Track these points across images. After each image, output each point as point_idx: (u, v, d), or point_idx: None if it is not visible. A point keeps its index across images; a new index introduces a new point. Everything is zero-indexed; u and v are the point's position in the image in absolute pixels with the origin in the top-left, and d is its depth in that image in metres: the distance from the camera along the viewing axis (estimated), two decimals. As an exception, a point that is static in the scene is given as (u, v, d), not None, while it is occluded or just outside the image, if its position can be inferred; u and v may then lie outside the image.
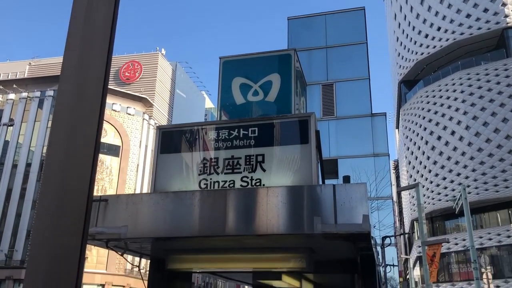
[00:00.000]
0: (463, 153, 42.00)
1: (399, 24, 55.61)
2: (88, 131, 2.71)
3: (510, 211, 40.23)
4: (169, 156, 7.09)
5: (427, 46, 49.40)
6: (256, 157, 6.66)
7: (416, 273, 48.46)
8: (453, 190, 40.71)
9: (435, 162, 44.74)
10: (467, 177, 40.97)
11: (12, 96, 48.55)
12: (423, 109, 47.75)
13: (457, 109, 43.60)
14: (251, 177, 6.57)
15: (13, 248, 42.19)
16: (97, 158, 2.72)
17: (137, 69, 59.46)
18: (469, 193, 35.31)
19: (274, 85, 7.83)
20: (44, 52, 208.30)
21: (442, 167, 43.77)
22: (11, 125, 46.94)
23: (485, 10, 44.62)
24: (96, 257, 42.96)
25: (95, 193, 4.85)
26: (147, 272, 8.05)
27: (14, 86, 50.06)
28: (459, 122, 43.04)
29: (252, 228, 5.42)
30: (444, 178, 43.38)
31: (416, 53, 51.02)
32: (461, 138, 42.51)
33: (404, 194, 56.36)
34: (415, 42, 51.31)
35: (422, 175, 46.32)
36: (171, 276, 7.54)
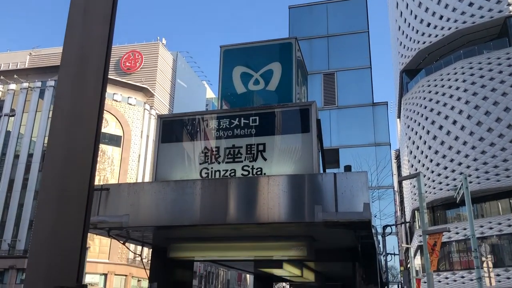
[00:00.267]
0: (465, 143, 41.93)
1: (401, 12, 55.20)
2: (88, 121, 2.71)
3: (511, 200, 40.26)
4: (170, 146, 7.09)
5: (429, 35, 49.07)
6: (257, 146, 6.66)
7: (417, 262, 48.66)
8: (454, 179, 40.72)
9: (436, 152, 44.69)
10: (468, 167, 40.94)
11: (13, 86, 48.50)
12: (424, 98, 47.58)
13: (459, 99, 43.43)
14: (252, 166, 6.58)
15: (16, 238, 42.45)
16: (98, 148, 2.72)
17: (137, 59, 59.27)
18: (470, 182, 35.33)
19: (275, 74, 7.80)
20: (44, 42, 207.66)
21: (444, 156, 43.73)
22: (13, 116, 46.95)
23: (488, -2, 44.29)
24: (99, 247, 43.22)
25: (97, 183, 4.85)
26: (149, 262, 8.10)
27: (15, 76, 49.98)
28: (460, 112, 42.91)
29: (253, 216, 5.44)
30: (446, 168, 43.37)
31: (418, 42, 50.70)
32: (462, 128, 42.41)
33: (405, 183, 56.41)
34: (417, 31, 50.97)
35: (423, 165, 46.30)
36: (173, 264, 7.58)
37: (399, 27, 55.87)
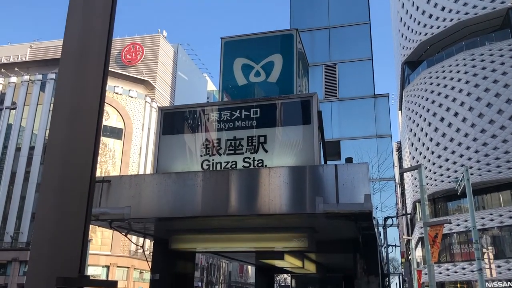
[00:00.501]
0: (466, 134, 41.87)
1: (403, 4, 54.89)
2: (89, 113, 2.71)
3: (512, 192, 40.32)
4: (171, 138, 7.09)
5: (431, 27, 48.83)
6: (258, 138, 6.66)
7: (418, 254, 48.82)
8: (456, 171, 40.72)
9: (438, 144, 44.65)
10: (469, 158, 40.92)
11: (14, 79, 48.44)
12: (426, 90, 47.45)
13: (460, 90, 43.31)
14: (253, 158, 6.58)
15: (19, 230, 42.65)
16: (99, 140, 2.73)
17: (138, 52, 59.12)
18: (472, 174, 35.33)
19: (276, 66, 7.77)
20: (45, 35, 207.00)
21: (445, 148, 43.70)
22: (14, 109, 46.96)
23: (490, -11, 44.00)
24: (101, 239, 43.42)
25: (98, 176, 4.86)
26: (151, 253, 8.13)
27: (16, 69, 49.91)
28: (462, 103, 42.80)
29: (254, 208, 5.45)
30: (447, 160, 43.35)
31: (420, 33, 50.47)
32: (464, 119, 42.33)
33: (407, 175, 56.44)
34: (419, 23, 50.72)
35: (424, 157, 46.30)
36: (175, 256, 7.62)
37: (401, 18, 55.59)
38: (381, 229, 22.39)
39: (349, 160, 9.67)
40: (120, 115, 48.28)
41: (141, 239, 7.89)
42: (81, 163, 2.61)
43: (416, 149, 48.64)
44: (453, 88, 44.14)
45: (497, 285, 37.12)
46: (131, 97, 50.17)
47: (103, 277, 42.73)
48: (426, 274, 25.91)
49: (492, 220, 39.91)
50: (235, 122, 6.85)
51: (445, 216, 42.19)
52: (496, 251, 38.38)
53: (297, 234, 6.26)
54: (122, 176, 6.42)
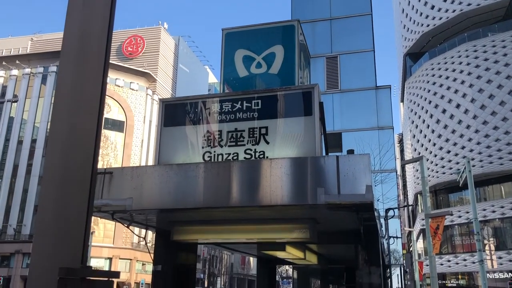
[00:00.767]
0: (468, 126, 41.78)
1: (405, -5, 54.57)
2: (90, 105, 2.71)
3: (514, 184, 40.29)
4: (172, 129, 7.08)
5: (433, 18, 48.54)
6: (259, 130, 6.65)
7: (419, 245, 48.91)
8: (458, 163, 40.68)
9: (439, 136, 44.58)
10: (471, 150, 40.86)
11: (15, 72, 48.40)
12: (428, 82, 47.28)
13: (462, 82, 43.14)
14: (255, 149, 6.58)
15: (22, 222, 42.85)
16: (101, 131, 2.73)
17: (139, 44, 58.96)
18: (474, 166, 35.28)
19: (277, 57, 7.75)
20: (46, 27, 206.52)
21: (447, 140, 43.63)
22: (15, 102, 46.96)
23: (493, -20, 43.66)
24: (103, 231, 43.61)
25: (100, 168, 4.86)
26: (154, 245, 8.16)
27: (17, 62, 49.85)
28: (464, 95, 42.65)
29: (256, 199, 5.46)
30: (449, 151, 43.30)
31: (422, 25, 50.19)
32: (466, 111, 42.20)
33: (408, 167, 56.43)
34: (421, 14, 50.42)
35: (426, 149, 46.24)
36: (177, 247, 7.65)
37: (403, 9, 55.27)
38: (382, 220, 22.44)
39: (350, 152, 9.66)
40: (122, 107, 48.26)
41: (143, 231, 7.92)
42: (83, 155, 2.62)
43: (418, 141, 48.58)
44: (455, 79, 43.96)
45: (498, 276, 37.23)
46: (132, 89, 50.12)
47: (106, 269, 42.95)
48: (427, 265, 25.98)
49: (493, 211, 39.94)
50: (236, 113, 6.84)
51: (446, 208, 42.26)
52: (497, 243, 38.47)
53: (298, 225, 6.28)
54: (124, 168, 6.43)
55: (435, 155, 44.66)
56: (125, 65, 52.39)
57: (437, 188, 45.57)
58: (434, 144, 45.08)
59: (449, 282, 43.96)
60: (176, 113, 7.21)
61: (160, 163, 6.76)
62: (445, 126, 43.98)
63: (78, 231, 2.54)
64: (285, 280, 65.04)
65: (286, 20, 8.43)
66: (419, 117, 48.46)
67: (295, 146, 6.44)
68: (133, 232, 7.95)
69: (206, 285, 58.17)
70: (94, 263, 41.68)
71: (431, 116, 45.99)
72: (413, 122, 50.22)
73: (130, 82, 50.54)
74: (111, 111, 46.96)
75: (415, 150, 49.07)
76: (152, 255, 7.62)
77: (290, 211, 5.92)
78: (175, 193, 5.77)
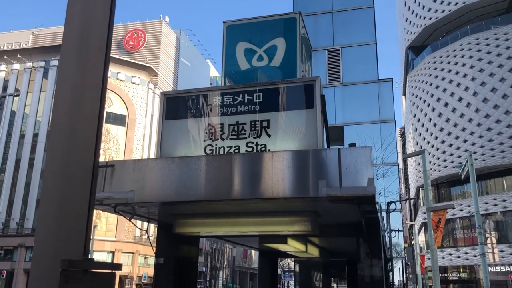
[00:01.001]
0: (470, 120, 41.66)
1: (407, -13, 54.26)
2: (91, 99, 2.70)
3: (516, 177, 40.23)
4: (174, 122, 7.08)
5: (436, 11, 48.27)
6: (261, 123, 6.64)
7: (421, 239, 48.97)
8: (459, 156, 40.61)
9: (441, 129, 44.47)
10: (473, 144, 40.78)
11: (16, 66, 48.39)
12: (430, 75, 47.11)
13: (465, 75, 42.96)
14: (256, 142, 6.57)
15: (24, 216, 43.03)
16: (102, 125, 2.73)
17: (140, 38, 58.83)
18: (476, 159, 35.24)
19: (279, 50, 7.72)
20: (47, 21, 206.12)
21: (449, 133, 43.53)
22: (17, 96, 47.00)
23: (496, -28, 43.33)
24: (106, 225, 43.76)
25: (102, 162, 4.88)
26: (156, 239, 8.19)
27: (18, 56, 49.83)
28: (466, 88, 42.49)
29: (258, 192, 5.46)
30: (451, 145, 43.22)
31: (424, 18, 49.93)
32: (468, 105, 42.07)
33: (410, 161, 56.35)
34: (423, 7, 50.14)
35: (428, 142, 46.15)
36: (179, 240, 7.67)
37: (405, 2, 54.98)
38: (384, 213, 22.46)
39: (352, 145, 9.65)
40: (123, 101, 48.25)
41: (145, 224, 7.94)
42: (84, 149, 2.62)
43: (420, 134, 48.49)
44: (457, 73, 43.79)
45: (499, 270, 37.29)
46: (134, 83, 50.09)
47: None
48: (429, 259, 26.03)
49: (495, 205, 39.92)
50: (238, 106, 6.83)
51: (448, 201, 42.24)
52: (499, 236, 38.48)
53: (300, 218, 6.28)
54: (126, 161, 6.44)
55: (437, 149, 44.58)
56: (126, 59, 52.31)
57: (439, 181, 45.54)
58: (436, 138, 44.99)
59: (450, 275, 44.06)
60: (177, 106, 7.21)
61: (162, 156, 6.77)
62: (447, 120, 43.87)
63: (80, 224, 2.55)
64: (287, 273, 65.30)
65: (287, 12, 8.39)
66: (421, 110, 48.33)
67: (296, 139, 6.43)
68: (136, 226, 7.97)
69: (208, 278, 58.42)
70: (97, 256, 41.84)
71: (433, 109, 45.86)
72: (415, 115, 50.10)
73: (132, 76, 50.49)
74: (113, 105, 46.96)
75: (417, 143, 49.00)
76: (154, 248, 7.65)
77: (291, 203, 5.92)
78: (177, 186, 5.78)
